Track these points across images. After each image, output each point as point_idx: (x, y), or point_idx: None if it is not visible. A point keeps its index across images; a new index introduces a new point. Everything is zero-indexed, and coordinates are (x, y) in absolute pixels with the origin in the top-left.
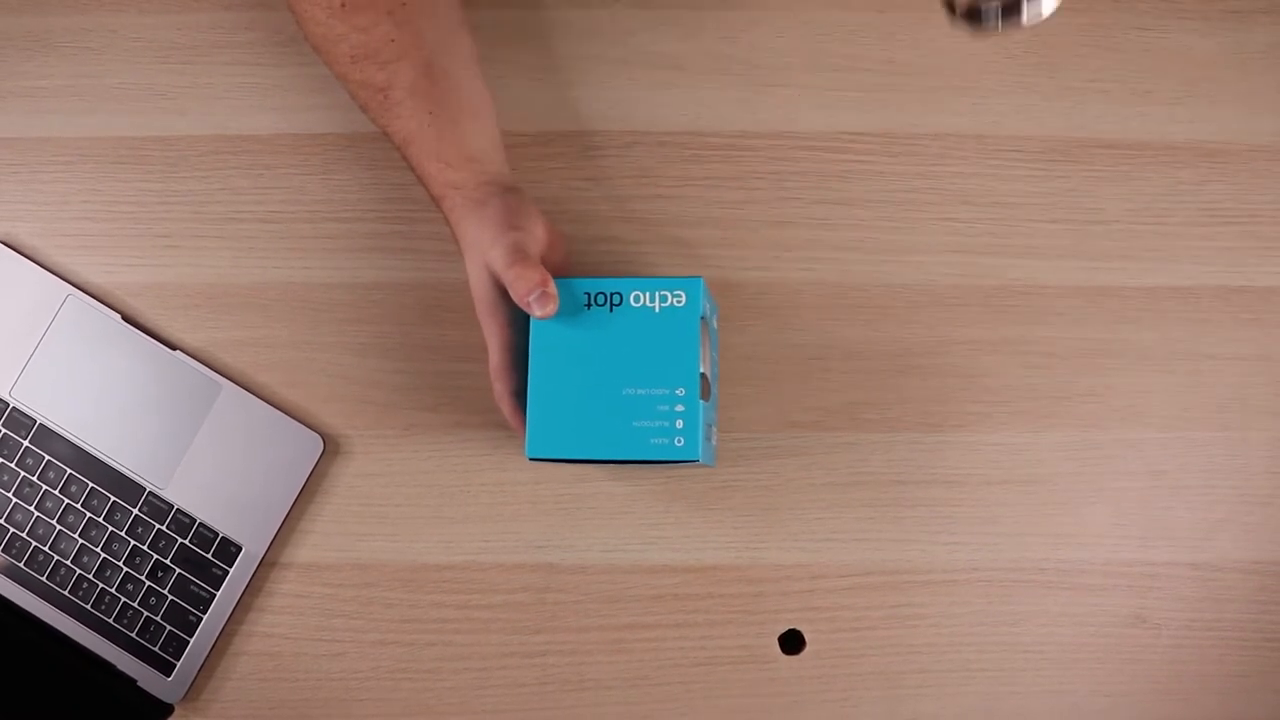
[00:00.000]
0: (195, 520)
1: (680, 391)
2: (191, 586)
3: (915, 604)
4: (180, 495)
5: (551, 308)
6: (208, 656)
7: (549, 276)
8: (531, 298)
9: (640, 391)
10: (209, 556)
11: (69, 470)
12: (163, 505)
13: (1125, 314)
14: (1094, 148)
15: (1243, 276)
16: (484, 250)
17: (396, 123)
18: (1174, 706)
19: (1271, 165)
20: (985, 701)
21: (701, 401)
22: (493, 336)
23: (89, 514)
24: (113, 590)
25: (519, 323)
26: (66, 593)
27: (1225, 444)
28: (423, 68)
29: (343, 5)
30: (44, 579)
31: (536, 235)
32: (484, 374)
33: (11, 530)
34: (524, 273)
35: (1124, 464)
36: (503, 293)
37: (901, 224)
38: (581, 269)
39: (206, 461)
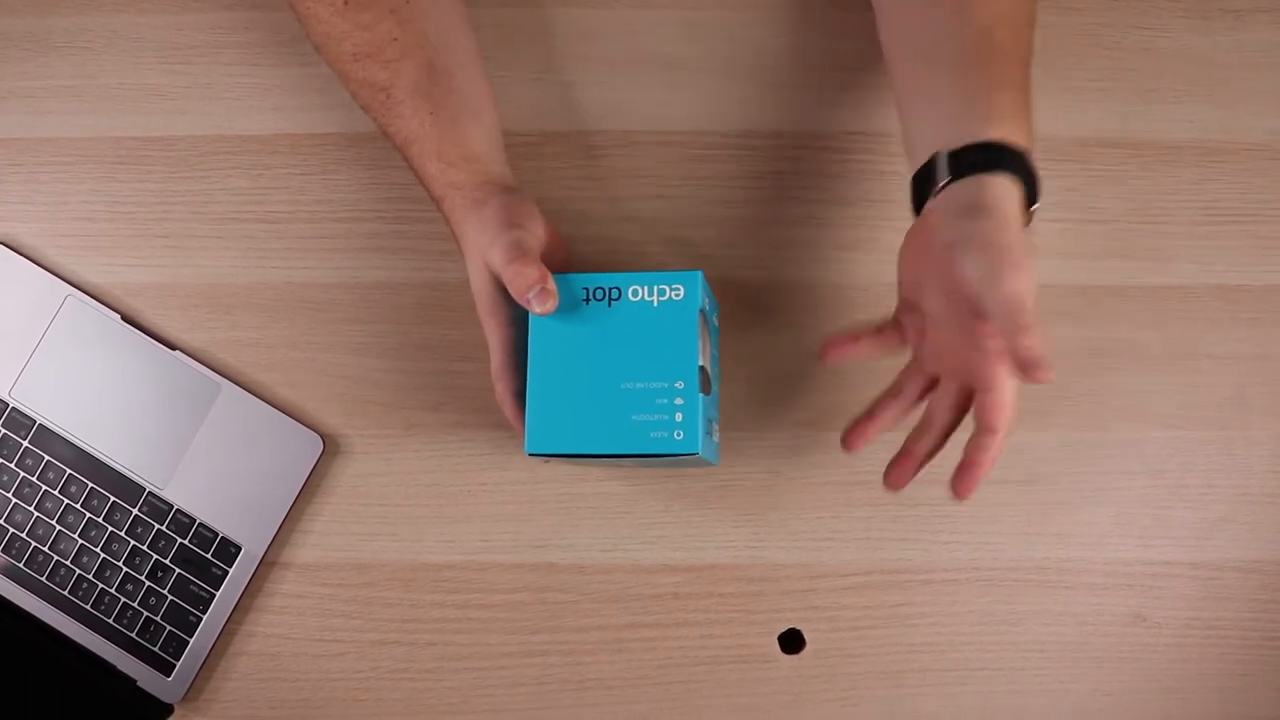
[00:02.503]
0: (195, 520)
1: (679, 385)
2: (191, 586)
3: (915, 603)
4: (180, 495)
5: (551, 304)
6: (207, 656)
7: (548, 273)
8: (530, 294)
9: (639, 385)
10: (209, 556)
11: (68, 470)
12: (162, 505)
13: (1125, 313)
14: (1094, 147)
15: (1242, 275)
16: (484, 249)
17: (398, 122)
18: (1174, 705)
19: (1271, 164)
20: (985, 700)
21: (701, 395)
22: (494, 337)
23: (89, 514)
24: (112, 590)
25: (520, 323)
26: (66, 593)
27: (1225, 443)
28: (425, 67)
29: (346, 3)
30: (44, 579)
31: (537, 234)
32: (484, 373)
33: (11, 530)
34: (523, 269)
35: (1124, 463)
36: (504, 293)
37: (901, 224)
38: (581, 269)
39: (206, 461)
